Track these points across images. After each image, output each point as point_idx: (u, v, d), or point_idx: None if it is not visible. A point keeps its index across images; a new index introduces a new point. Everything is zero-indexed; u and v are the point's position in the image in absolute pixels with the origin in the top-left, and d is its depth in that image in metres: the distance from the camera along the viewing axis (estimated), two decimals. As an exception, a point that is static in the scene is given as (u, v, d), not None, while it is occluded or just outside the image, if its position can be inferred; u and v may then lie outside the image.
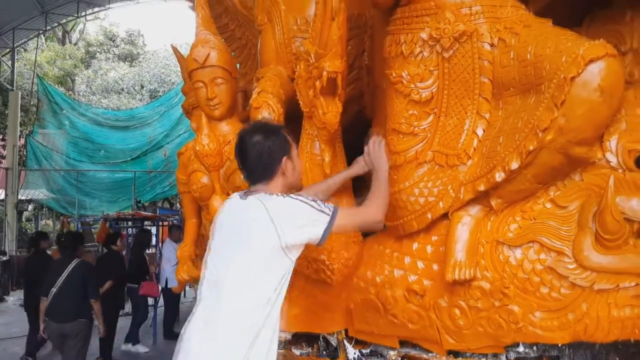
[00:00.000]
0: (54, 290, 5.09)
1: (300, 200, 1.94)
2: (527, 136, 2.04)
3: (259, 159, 2.00)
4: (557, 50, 1.99)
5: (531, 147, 2.03)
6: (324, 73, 2.29)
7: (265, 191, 1.99)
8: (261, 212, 1.89)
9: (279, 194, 1.97)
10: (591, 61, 1.89)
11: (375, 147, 2.37)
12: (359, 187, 2.66)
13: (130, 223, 11.50)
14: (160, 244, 10.43)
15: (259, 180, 2.03)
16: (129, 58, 25.45)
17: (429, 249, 2.42)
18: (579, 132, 1.98)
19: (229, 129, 3.18)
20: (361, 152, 2.93)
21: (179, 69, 4.18)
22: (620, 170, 2.07)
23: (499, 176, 2.14)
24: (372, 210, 2.16)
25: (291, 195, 1.99)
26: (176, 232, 8.39)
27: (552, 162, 2.07)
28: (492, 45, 2.24)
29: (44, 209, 19.64)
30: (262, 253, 1.87)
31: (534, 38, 2.11)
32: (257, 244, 1.88)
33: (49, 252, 7.82)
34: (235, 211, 2.03)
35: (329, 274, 2.60)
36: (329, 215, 1.95)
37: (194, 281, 3.35)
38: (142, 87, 22.98)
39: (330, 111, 2.38)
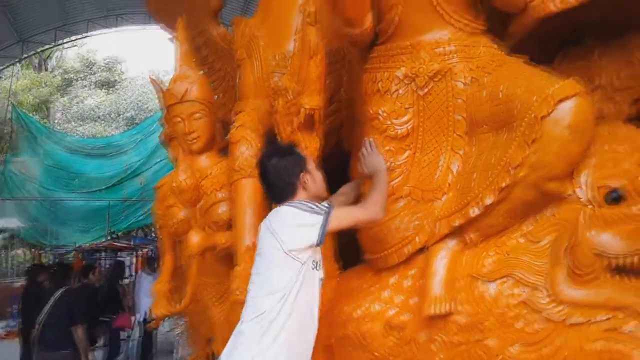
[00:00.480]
0: (40, 318, 5.14)
1: (295, 207, 2.09)
2: (500, 173, 2.09)
3: (279, 178, 2.18)
4: (528, 90, 2.05)
5: (504, 184, 2.07)
6: (302, 109, 2.33)
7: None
8: (265, 226, 2.14)
9: (282, 205, 2.15)
10: (561, 100, 1.95)
11: (369, 151, 2.44)
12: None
13: (104, 254, 11.30)
14: (135, 275, 10.25)
15: (284, 198, 2.18)
16: (107, 85, 25.31)
17: (407, 282, 2.42)
18: (550, 169, 2.03)
19: (207, 163, 3.21)
20: (341, 183, 2.97)
21: (157, 96, 4.22)
22: (590, 206, 2.11)
23: (474, 211, 2.18)
24: (371, 207, 2.24)
25: (292, 203, 2.13)
26: (152, 264, 8.28)
27: (524, 198, 2.11)
28: (465, 84, 2.30)
29: (15, 239, 19.16)
30: (273, 261, 2.08)
31: (506, 77, 2.18)
32: (268, 253, 2.10)
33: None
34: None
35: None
36: (322, 214, 2.06)
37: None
38: (119, 114, 22.82)
39: (309, 147, 2.42)
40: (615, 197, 2.06)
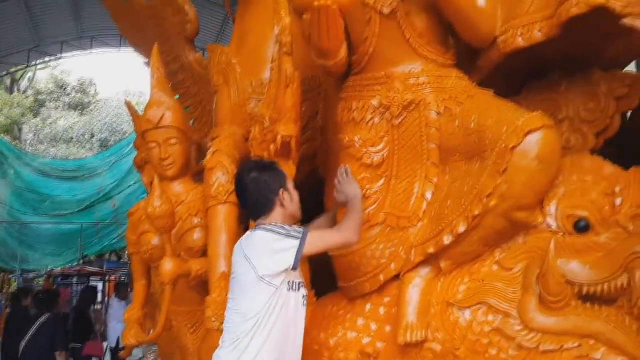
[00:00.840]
0: (22, 344, 5.19)
1: (270, 231, 2.09)
2: (473, 201, 2.13)
3: (258, 193, 2.17)
4: (499, 121, 2.11)
5: (477, 212, 2.12)
6: (279, 137, 2.35)
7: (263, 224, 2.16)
8: (238, 250, 2.14)
9: (256, 229, 2.14)
10: (529, 132, 2.01)
11: (344, 178, 2.45)
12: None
13: (75, 279, 11.04)
14: (107, 301, 10.03)
15: (260, 214, 2.19)
16: (80, 107, 25.05)
17: (381, 310, 2.44)
18: (520, 198, 2.08)
19: (181, 189, 3.19)
20: (315, 209, 2.98)
21: (130, 118, 4.21)
22: (560, 234, 2.16)
23: (448, 239, 2.21)
24: (345, 232, 2.23)
25: (265, 226, 2.12)
26: (123, 290, 8.13)
27: (496, 226, 2.15)
28: (438, 113, 2.36)
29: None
30: (247, 286, 2.08)
31: (477, 108, 2.24)
32: (242, 278, 2.11)
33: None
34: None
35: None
36: (298, 239, 2.05)
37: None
38: (93, 136, 22.55)
39: (284, 174, 2.42)
40: (583, 226, 2.12)
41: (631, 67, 3.24)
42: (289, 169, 2.45)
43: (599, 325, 1.97)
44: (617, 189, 2.12)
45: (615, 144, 2.54)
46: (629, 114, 2.72)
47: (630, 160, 2.24)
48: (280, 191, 2.19)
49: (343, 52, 2.41)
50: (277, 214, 2.18)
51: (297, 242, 2.05)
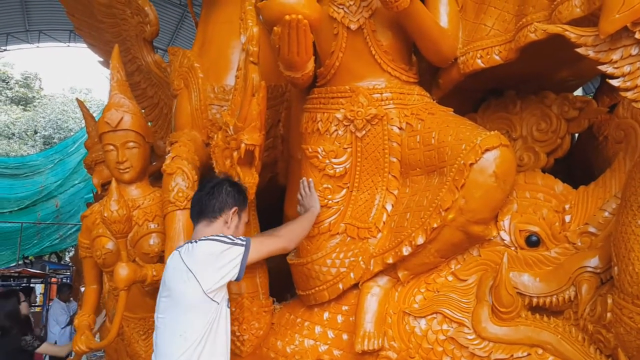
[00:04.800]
0: None
1: (214, 240, 2.02)
2: (432, 214, 2.21)
3: (216, 197, 2.14)
4: (458, 138, 2.20)
5: (435, 225, 2.19)
6: (242, 145, 2.35)
7: (202, 233, 2.10)
8: (175, 264, 2.01)
9: (199, 241, 2.03)
10: (487, 150, 2.10)
11: (307, 192, 2.49)
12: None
13: (15, 281, 10.57)
14: (47, 304, 9.65)
15: (206, 215, 2.14)
16: (23, 101, 24.06)
17: (339, 318, 2.48)
18: (476, 213, 2.17)
19: (138, 193, 3.14)
20: (274, 216, 2.99)
21: (77, 115, 4.12)
22: (513, 248, 2.27)
23: (406, 250, 2.27)
24: (285, 237, 2.28)
25: (209, 236, 2.05)
26: (66, 292, 7.84)
27: (453, 239, 2.23)
28: (400, 128, 2.42)
29: None
30: (188, 303, 1.96)
31: (437, 125, 2.32)
32: (181, 296, 1.97)
33: None
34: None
35: (238, 345, 2.58)
36: (242, 246, 2.04)
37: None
38: (36, 132, 21.72)
39: (247, 182, 2.43)
40: (534, 241, 2.23)
41: (579, 92, 3.41)
42: (251, 177, 2.46)
43: (547, 335, 2.07)
44: (567, 207, 2.23)
45: (565, 163, 2.68)
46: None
47: (578, 179, 2.37)
48: (234, 208, 2.17)
49: (310, 65, 2.44)
50: (217, 228, 2.13)
51: (242, 250, 2.03)
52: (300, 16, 2.11)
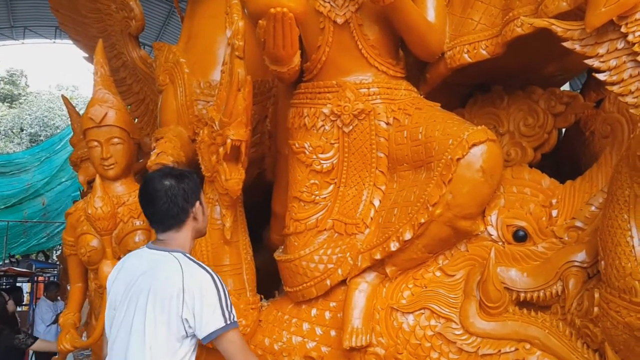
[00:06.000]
0: None
1: (215, 286, 1.84)
2: (419, 210, 2.19)
3: (172, 202, 1.91)
4: (445, 133, 2.19)
5: (422, 220, 2.18)
6: (228, 141, 2.33)
7: (176, 241, 1.93)
8: (177, 277, 1.81)
9: (196, 263, 1.89)
10: (474, 145, 2.09)
11: None
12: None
13: (3, 279, 10.46)
14: (34, 302, 9.56)
15: (171, 226, 1.94)
16: (9, 98, 23.80)
17: (327, 315, 2.46)
18: (464, 208, 2.16)
19: (123, 190, 3.11)
20: (262, 213, 2.96)
21: (63, 112, 4.07)
22: (500, 243, 2.26)
23: (394, 246, 2.25)
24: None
25: (208, 270, 1.89)
26: (53, 290, 7.77)
27: (440, 234, 2.22)
28: (387, 123, 2.41)
29: None
30: (164, 338, 1.80)
31: (424, 120, 2.31)
32: (160, 309, 1.80)
33: None
34: (144, 263, 1.92)
35: None
36: (228, 322, 1.83)
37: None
38: (22, 130, 21.50)
39: (233, 178, 2.41)
40: (521, 236, 2.23)
41: (566, 87, 3.42)
42: (238, 173, 2.44)
43: (534, 330, 2.06)
44: (554, 201, 2.23)
45: (552, 158, 2.69)
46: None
47: (565, 174, 2.37)
48: (197, 203, 1.98)
49: (297, 59, 2.42)
50: (189, 228, 1.97)
51: (223, 324, 1.81)
52: (285, 9, 2.10)
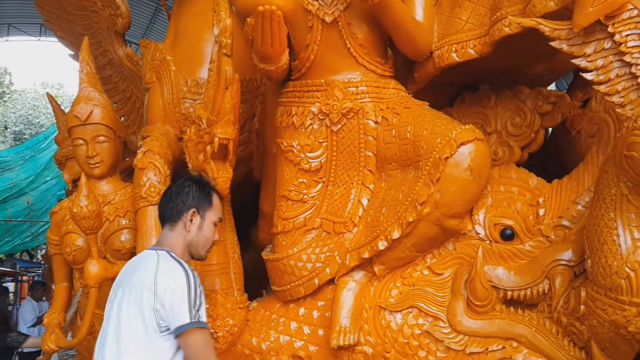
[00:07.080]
0: None
1: (187, 282, 1.85)
2: (407, 208, 2.19)
3: (176, 197, 2.05)
4: (433, 132, 2.19)
5: (411, 219, 2.17)
6: (216, 139, 2.31)
7: (168, 240, 2.02)
8: (151, 270, 1.88)
9: (175, 260, 1.93)
10: (462, 144, 2.10)
11: None
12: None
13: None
14: (18, 302, 9.45)
15: (165, 222, 2.06)
16: (-7, 96, 23.51)
17: (315, 314, 2.46)
18: (452, 207, 2.16)
19: (109, 188, 3.08)
20: (249, 212, 2.95)
21: (48, 110, 4.02)
22: (487, 242, 2.27)
23: (382, 244, 2.25)
24: None
25: (186, 267, 1.91)
26: (39, 289, 7.68)
27: (428, 233, 2.23)
28: (376, 122, 2.41)
29: None
30: (148, 334, 1.84)
31: (413, 119, 2.31)
32: (133, 300, 1.87)
33: None
34: (136, 260, 2.08)
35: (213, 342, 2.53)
36: (197, 322, 1.83)
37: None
38: (6, 128, 21.24)
39: (220, 176, 2.39)
40: (509, 234, 2.24)
41: (552, 87, 3.45)
42: (225, 172, 2.42)
43: (521, 328, 2.07)
44: (541, 200, 2.24)
45: (539, 157, 2.70)
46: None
47: (552, 173, 2.38)
48: (192, 210, 2.03)
49: (285, 57, 2.41)
50: (180, 231, 2.03)
51: (188, 322, 1.81)
52: (273, 7, 2.08)
